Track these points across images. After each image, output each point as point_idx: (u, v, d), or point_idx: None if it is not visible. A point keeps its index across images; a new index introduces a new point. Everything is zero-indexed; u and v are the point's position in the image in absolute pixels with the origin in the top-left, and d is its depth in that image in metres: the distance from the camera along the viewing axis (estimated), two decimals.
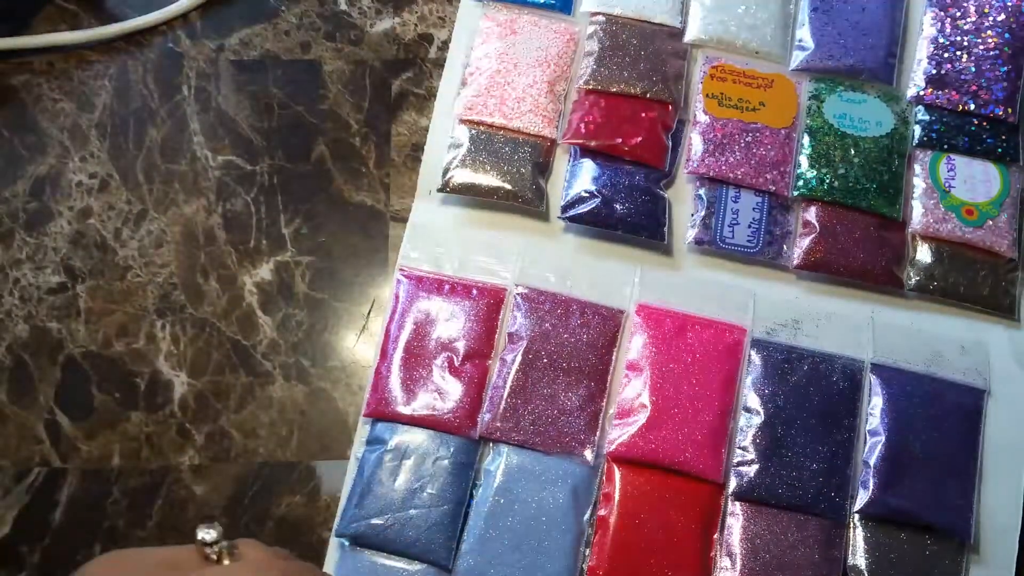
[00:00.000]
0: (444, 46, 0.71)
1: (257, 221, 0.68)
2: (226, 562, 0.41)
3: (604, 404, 0.61)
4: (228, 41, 0.73)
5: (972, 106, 0.67)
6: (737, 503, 0.59)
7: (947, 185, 0.66)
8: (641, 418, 0.60)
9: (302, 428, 0.63)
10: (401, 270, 0.64)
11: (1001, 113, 0.67)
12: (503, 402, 0.61)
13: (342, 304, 0.66)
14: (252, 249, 0.67)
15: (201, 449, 0.63)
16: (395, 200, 0.68)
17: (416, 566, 0.58)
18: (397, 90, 0.71)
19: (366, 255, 0.67)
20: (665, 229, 0.65)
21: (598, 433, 0.60)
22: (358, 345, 0.65)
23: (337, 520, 0.59)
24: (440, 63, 0.71)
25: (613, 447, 0.60)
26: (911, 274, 0.64)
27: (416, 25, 0.73)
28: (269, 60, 0.72)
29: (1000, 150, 0.67)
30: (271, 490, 0.62)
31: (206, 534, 0.40)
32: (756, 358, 0.62)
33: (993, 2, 0.69)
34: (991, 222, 0.65)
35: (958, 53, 0.69)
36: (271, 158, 0.70)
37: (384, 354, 0.62)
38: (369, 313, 0.66)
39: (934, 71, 0.68)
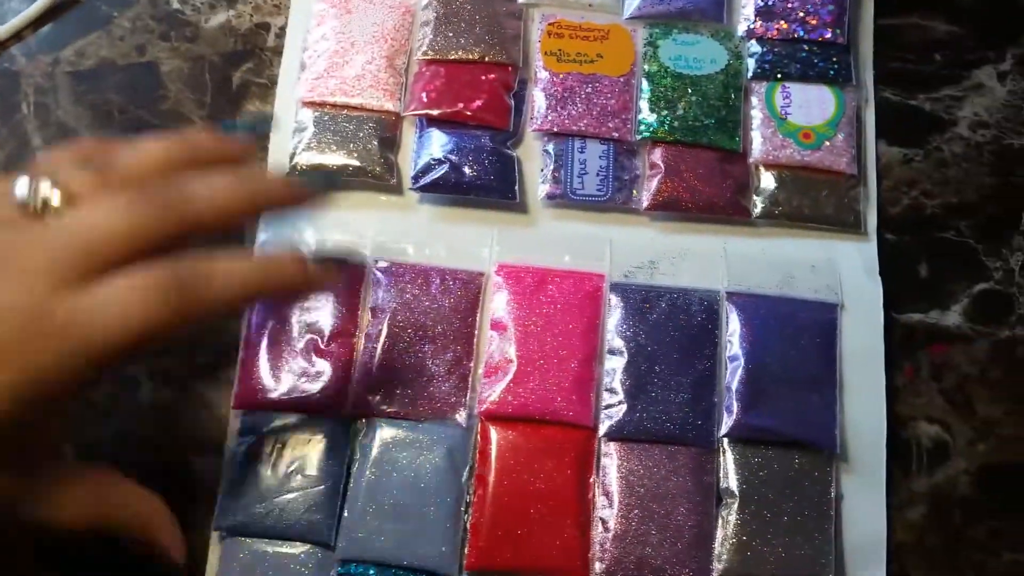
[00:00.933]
0: (282, 33, 0.72)
1: None
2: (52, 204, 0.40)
3: (472, 365, 0.62)
4: (63, 54, 0.72)
5: (801, 32, 0.69)
6: (610, 444, 0.60)
7: (783, 113, 0.68)
8: (508, 374, 0.61)
9: (171, 427, 0.63)
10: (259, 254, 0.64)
11: (830, 36, 0.69)
12: (371, 376, 0.61)
13: None
14: None
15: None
16: None
17: (299, 548, 0.58)
18: (238, 82, 0.71)
19: (222, 249, 0.67)
20: (516, 188, 0.66)
21: (468, 394, 0.61)
22: (225, 339, 0.65)
23: (216, 514, 0.59)
24: (279, 51, 0.71)
25: (484, 406, 0.61)
26: (756, 202, 0.66)
27: (251, 15, 0.73)
28: (105, 67, 0.72)
29: (832, 72, 0.69)
30: None
31: (16, 186, 0.38)
32: (616, 301, 0.63)
33: None
34: (828, 143, 0.67)
35: None
36: None
37: (248, 345, 0.62)
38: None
39: (761, 4, 0.70)
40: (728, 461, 0.60)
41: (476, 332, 0.63)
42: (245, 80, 0.71)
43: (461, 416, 0.61)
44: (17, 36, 0.73)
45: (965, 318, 0.66)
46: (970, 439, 0.63)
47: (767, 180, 0.66)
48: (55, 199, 0.40)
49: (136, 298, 0.40)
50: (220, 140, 0.49)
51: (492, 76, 0.67)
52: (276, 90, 0.69)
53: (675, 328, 0.62)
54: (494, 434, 0.60)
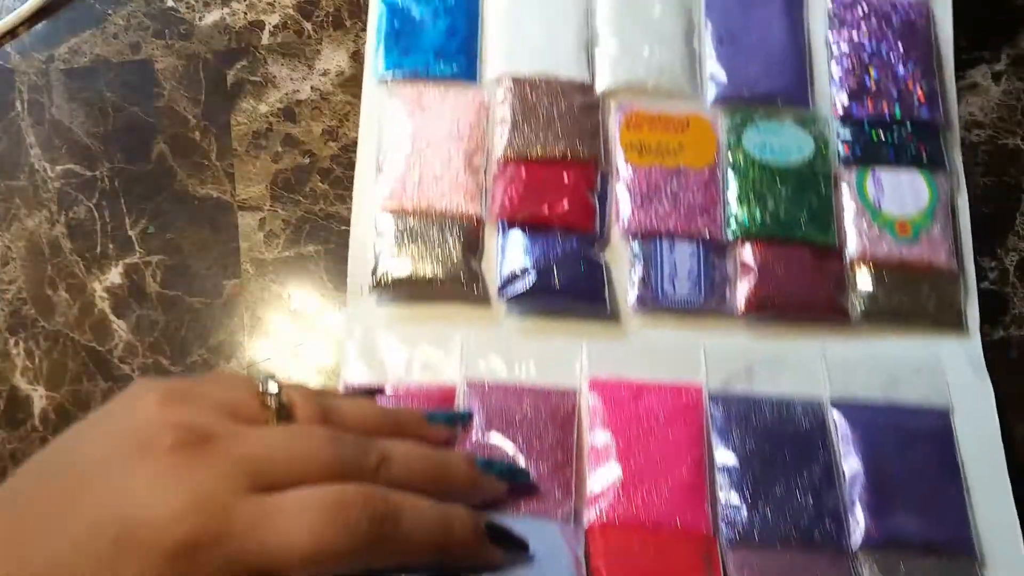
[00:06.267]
0: (276, 31, 0.75)
1: (102, 226, 0.71)
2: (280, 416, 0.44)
3: (574, 482, 0.61)
4: (57, 51, 0.76)
5: (898, 111, 0.69)
6: (734, 552, 0.60)
7: (876, 202, 0.67)
8: (615, 488, 0.60)
9: None
10: (346, 385, 0.63)
11: (927, 115, 0.69)
12: None
13: (196, 299, 0.69)
14: (99, 255, 0.70)
15: None
16: (241, 189, 0.72)
17: None
18: (233, 80, 0.74)
19: (216, 247, 0.70)
20: (606, 294, 0.65)
21: (573, 510, 0.60)
22: (217, 338, 0.68)
23: None
24: (273, 49, 0.75)
25: (592, 520, 0.60)
26: (855, 302, 0.66)
27: (246, 13, 0.76)
28: (100, 65, 0.75)
29: (925, 158, 0.68)
30: None
31: (270, 385, 0.43)
32: (717, 412, 0.63)
33: (892, 13, 0.72)
34: (925, 235, 0.66)
35: (872, 62, 0.70)
36: (110, 162, 0.73)
37: None
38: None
39: (853, 83, 0.70)
40: (866, 572, 0.59)
41: (573, 450, 0.62)
42: (239, 78, 0.74)
43: (568, 532, 0.60)
44: (11, 33, 0.76)
45: None
46: None
47: (865, 277, 0.66)
48: (273, 401, 0.44)
49: (324, 516, 0.40)
50: (426, 424, 0.55)
51: (574, 175, 0.67)
52: (271, 89, 0.73)
53: (783, 435, 0.62)
54: (605, 549, 0.59)
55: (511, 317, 0.66)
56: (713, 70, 0.71)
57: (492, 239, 0.68)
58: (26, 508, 0.39)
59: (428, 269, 0.65)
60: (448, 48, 0.71)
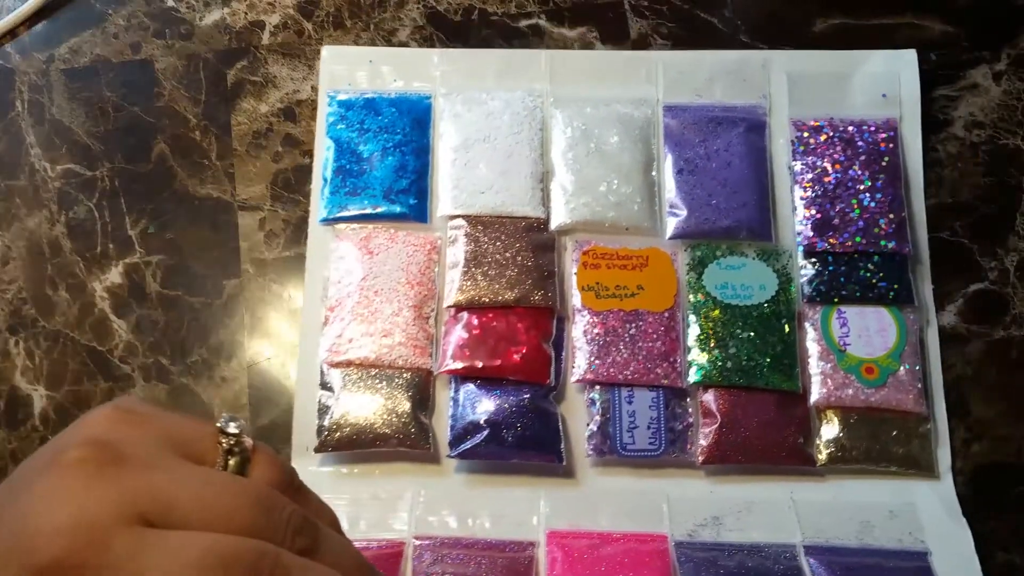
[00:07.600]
0: (276, 31, 0.76)
1: (102, 226, 0.72)
2: (231, 462, 0.38)
3: None
4: (58, 51, 0.77)
5: (862, 244, 0.67)
6: None
7: (842, 344, 0.65)
8: None
9: None
10: None
11: (895, 246, 0.67)
12: None
13: (196, 299, 0.70)
14: (100, 255, 0.71)
15: None
16: (241, 189, 0.72)
17: None
18: (233, 79, 0.75)
19: (216, 247, 0.71)
20: (562, 448, 0.63)
21: None
22: (218, 337, 0.69)
23: None
24: (273, 49, 0.76)
25: None
26: (821, 449, 0.64)
27: (246, 13, 0.77)
28: (100, 64, 0.76)
29: (892, 294, 0.66)
30: None
31: (230, 425, 0.38)
32: (684, 562, 0.61)
33: (857, 138, 0.69)
34: (892, 378, 0.64)
35: (837, 191, 0.68)
36: (111, 162, 0.74)
37: None
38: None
39: (818, 216, 0.68)
40: None
41: None
42: (240, 78, 0.75)
43: None
44: (11, 33, 0.77)
45: (960, 318, 0.68)
46: (964, 439, 0.65)
47: (831, 424, 0.64)
48: (226, 441, 0.39)
49: (203, 565, 0.35)
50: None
51: (528, 323, 0.65)
52: (271, 89, 0.74)
53: None
54: None
55: (463, 472, 0.65)
56: (673, 202, 0.69)
57: (443, 391, 0.66)
58: None
59: (376, 426, 0.64)
60: (397, 187, 0.70)
